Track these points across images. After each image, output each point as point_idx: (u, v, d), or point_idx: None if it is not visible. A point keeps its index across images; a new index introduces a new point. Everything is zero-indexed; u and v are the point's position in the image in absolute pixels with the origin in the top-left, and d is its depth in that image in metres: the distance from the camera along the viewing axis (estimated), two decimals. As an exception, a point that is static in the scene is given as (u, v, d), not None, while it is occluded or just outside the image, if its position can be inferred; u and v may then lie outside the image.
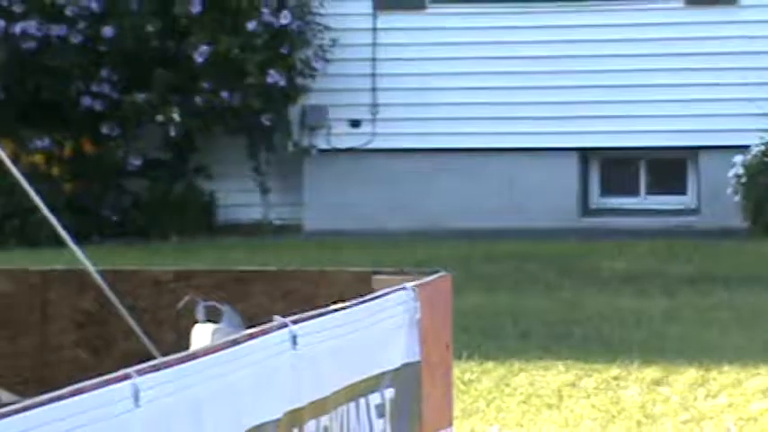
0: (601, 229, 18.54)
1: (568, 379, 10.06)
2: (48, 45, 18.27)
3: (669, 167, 19.64)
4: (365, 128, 19.26)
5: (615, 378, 10.05)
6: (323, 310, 3.60)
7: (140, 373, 2.78)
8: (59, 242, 4.38)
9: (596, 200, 19.55)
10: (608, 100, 18.93)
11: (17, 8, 18.09)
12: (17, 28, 18.07)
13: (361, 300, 3.83)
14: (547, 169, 19.03)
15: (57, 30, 18.21)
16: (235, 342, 3.26)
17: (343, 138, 19.24)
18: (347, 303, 3.74)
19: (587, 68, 18.93)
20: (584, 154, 19.36)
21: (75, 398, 2.62)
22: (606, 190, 19.56)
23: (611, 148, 19.24)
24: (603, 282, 14.68)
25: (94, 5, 18.38)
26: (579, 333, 11.80)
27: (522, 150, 19.04)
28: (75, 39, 18.31)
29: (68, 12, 18.28)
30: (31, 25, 18.13)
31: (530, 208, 18.69)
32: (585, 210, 19.39)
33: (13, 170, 4.80)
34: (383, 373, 3.80)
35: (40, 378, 4.15)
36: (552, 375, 10.15)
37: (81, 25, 18.35)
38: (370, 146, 19.20)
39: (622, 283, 14.48)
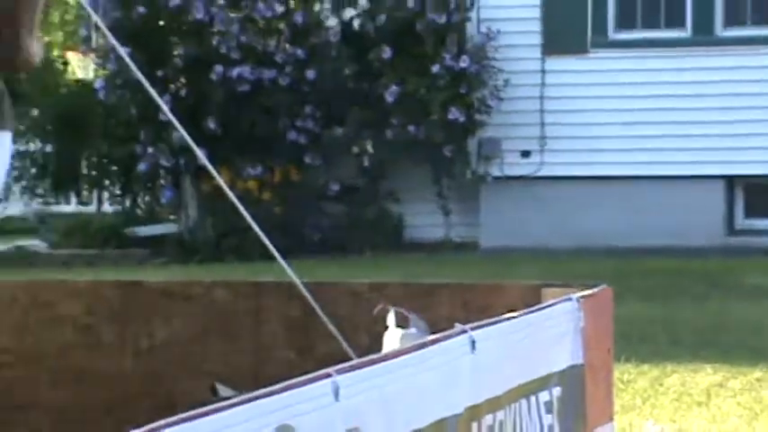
0: (745, 247, 18.42)
1: (716, 380, 9.99)
2: (260, 87, 18.45)
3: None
4: (534, 158, 19.31)
5: (758, 380, 9.97)
6: (498, 318, 3.60)
7: (339, 372, 2.81)
8: (270, 257, 4.42)
9: (741, 221, 19.43)
10: (751, 132, 18.80)
11: (234, 55, 18.30)
12: (234, 72, 18.29)
13: (532, 309, 3.83)
14: (696, 194, 18.95)
15: (268, 74, 18.40)
16: (421, 346, 3.28)
17: (514, 166, 19.30)
18: (519, 312, 3.75)
19: (730, 105, 18.83)
20: (730, 180, 19.26)
21: (285, 393, 2.65)
22: (750, 212, 19.43)
23: (754, 175, 19.11)
24: (748, 294, 14.57)
25: (300, 53, 18.57)
26: (725, 340, 11.71)
27: (673, 178, 18.98)
28: (284, 81, 18.49)
29: (278, 58, 18.47)
30: (246, 70, 18.34)
31: (680, 229, 18.59)
32: (731, 230, 19.28)
33: (230, 195, 4.86)
34: (551, 374, 3.80)
35: (254, 375, 4.20)
36: (701, 377, 10.08)
37: (288, 69, 18.53)
38: (539, 174, 19.24)
39: (765, 296, 14.36)
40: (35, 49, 3.52)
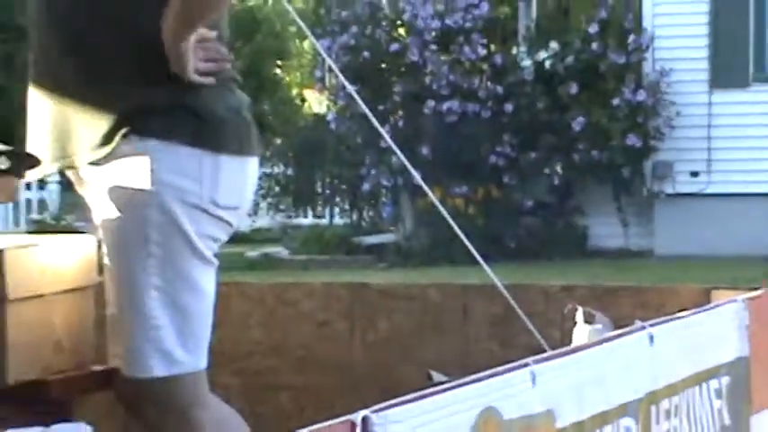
0: None
1: None
2: (465, 119, 18.67)
3: None
4: (702, 177, 19.26)
5: None
6: (673, 317, 3.58)
7: (536, 361, 2.82)
8: (474, 263, 4.45)
9: None
10: None
11: (444, 91, 18.55)
12: (444, 106, 18.52)
13: (702, 309, 3.80)
14: None
15: (472, 107, 18.63)
16: (606, 340, 3.27)
17: (684, 185, 19.28)
18: (691, 311, 3.72)
19: None
20: None
21: (490, 379, 2.65)
22: None
23: None
24: None
25: (499, 89, 18.75)
26: None
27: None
28: (485, 114, 18.71)
29: (480, 94, 18.66)
30: (454, 104, 18.58)
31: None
32: None
33: (441, 209, 4.92)
34: (720, 365, 3.78)
35: (462, 364, 4.23)
36: None
37: (489, 104, 18.73)
38: (706, 191, 19.16)
39: None
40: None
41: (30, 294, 3.69)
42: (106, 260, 3.53)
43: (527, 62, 19.79)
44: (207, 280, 3.47)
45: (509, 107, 18.97)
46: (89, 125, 3.41)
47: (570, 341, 4.27)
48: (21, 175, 3.54)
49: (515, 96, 19.11)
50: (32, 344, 3.70)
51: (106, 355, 3.83)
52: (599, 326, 4.34)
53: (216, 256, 3.52)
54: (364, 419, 2.27)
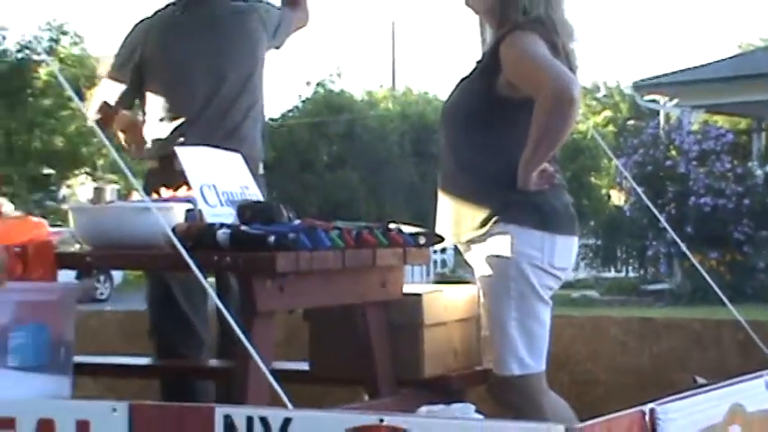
0: None
1: None
2: (716, 208, 18.01)
3: None
4: None
5: None
6: None
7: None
8: (724, 304, 4.03)
9: None
10: None
11: (702, 191, 18.01)
12: (702, 200, 18.05)
13: None
14: None
15: (721, 201, 17.95)
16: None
17: None
18: None
19: None
20: None
21: (738, 384, 2.67)
22: None
23: None
24: None
25: (739, 189, 18.17)
26: None
27: None
28: (730, 205, 18.07)
29: (727, 192, 18.07)
30: (708, 199, 18.01)
31: None
32: None
33: (700, 268, 4.70)
34: None
35: (718, 372, 3.76)
36: None
37: (733, 199, 18.17)
38: None
39: None
40: None
41: (437, 322, 3.79)
42: (482, 300, 3.74)
43: (759, 172, 19.20)
44: (545, 314, 3.66)
45: (746, 201, 18.23)
46: (472, 215, 3.63)
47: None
48: (431, 246, 3.85)
49: (751, 194, 18.38)
50: (439, 353, 3.80)
51: (482, 360, 3.92)
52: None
53: (551, 298, 3.69)
54: (651, 410, 2.26)
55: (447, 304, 3.88)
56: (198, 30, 4.38)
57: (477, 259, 3.63)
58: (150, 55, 4.38)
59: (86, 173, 24.30)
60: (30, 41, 19.66)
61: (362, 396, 3.75)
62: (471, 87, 3.66)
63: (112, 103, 4.39)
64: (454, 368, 3.85)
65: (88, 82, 26.05)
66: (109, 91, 4.42)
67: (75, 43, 24.55)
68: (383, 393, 3.62)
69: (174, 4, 4.51)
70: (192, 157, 3.58)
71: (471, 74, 3.71)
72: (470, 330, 3.98)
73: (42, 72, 18.72)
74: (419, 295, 3.72)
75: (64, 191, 24.04)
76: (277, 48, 4.61)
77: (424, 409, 3.11)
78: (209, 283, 2.80)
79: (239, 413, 2.20)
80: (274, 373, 2.67)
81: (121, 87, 4.41)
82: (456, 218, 3.67)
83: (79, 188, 24.37)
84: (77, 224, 3.43)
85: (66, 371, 3.32)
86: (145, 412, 2.31)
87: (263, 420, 2.19)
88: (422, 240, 3.63)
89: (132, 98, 4.44)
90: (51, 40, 20.43)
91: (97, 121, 4.31)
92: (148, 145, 4.35)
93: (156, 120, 4.33)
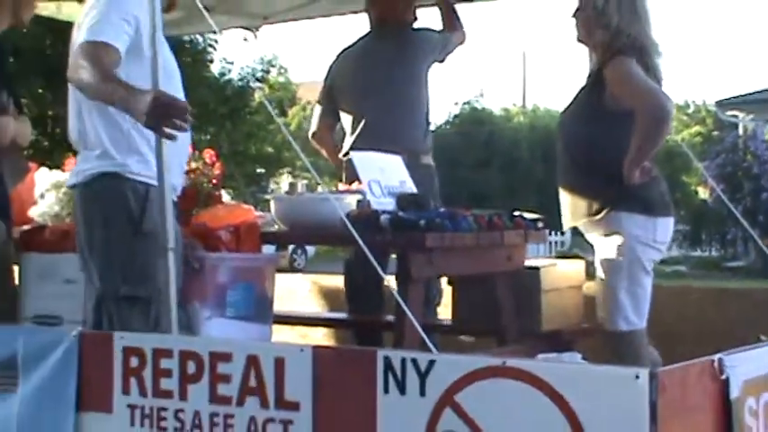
0: None
1: None
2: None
3: None
4: None
5: None
6: None
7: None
8: None
9: None
10: None
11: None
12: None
13: None
14: None
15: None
16: None
17: None
18: None
19: None
20: None
21: None
22: None
23: None
24: None
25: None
26: None
27: None
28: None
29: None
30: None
31: None
32: None
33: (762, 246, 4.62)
34: None
35: None
36: None
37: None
38: None
39: None
40: None
41: (552, 288, 3.79)
42: (599, 273, 3.60)
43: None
44: (648, 282, 3.58)
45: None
46: (588, 204, 3.58)
47: None
48: (546, 229, 3.81)
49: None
50: (553, 313, 3.78)
51: (594, 318, 3.72)
52: None
53: (653, 270, 3.62)
54: (719, 359, 2.17)
55: (560, 275, 3.89)
56: (382, 55, 4.30)
57: (596, 239, 3.62)
58: (341, 80, 4.33)
59: (288, 172, 25.21)
60: (248, 72, 20.42)
61: (492, 346, 3.75)
62: (584, 100, 3.62)
63: (319, 121, 4.40)
64: (565, 325, 3.83)
65: (290, 102, 27.10)
66: (318, 112, 4.44)
67: (281, 73, 25.69)
68: (509, 343, 3.64)
69: (367, 34, 4.44)
70: (363, 159, 3.65)
71: (582, 90, 3.67)
72: (578, 295, 3.95)
73: (256, 95, 19.45)
74: (537, 268, 3.76)
75: (272, 185, 24.83)
76: (441, 62, 4.47)
77: (541, 356, 3.06)
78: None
79: (396, 355, 2.23)
80: (424, 326, 2.68)
81: (325, 108, 4.40)
82: (573, 207, 3.63)
83: (283, 183, 25.15)
84: (277, 210, 3.52)
85: (268, 320, 3.41)
86: (324, 353, 2.36)
87: (414, 361, 2.21)
88: (539, 224, 3.70)
89: (334, 117, 4.39)
90: (263, 71, 21.16)
91: (313, 135, 4.38)
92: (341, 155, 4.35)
93: (348, 132, 4.30)
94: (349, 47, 4.44)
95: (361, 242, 2.58)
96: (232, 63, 22.67)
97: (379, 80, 4.23)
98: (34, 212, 3.71)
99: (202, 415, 2.40)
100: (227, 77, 19.81)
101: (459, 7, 4.58)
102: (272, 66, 22.48)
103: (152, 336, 2.65)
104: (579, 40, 3.67)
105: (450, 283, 3.92)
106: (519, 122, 30.99)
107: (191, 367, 2.45)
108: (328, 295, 4.88)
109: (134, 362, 2.52)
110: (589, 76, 3.68)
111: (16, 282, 3.46)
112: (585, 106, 3.61)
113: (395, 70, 4.26)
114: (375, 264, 2.58)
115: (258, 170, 23.70)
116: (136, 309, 2.94)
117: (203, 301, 3.16)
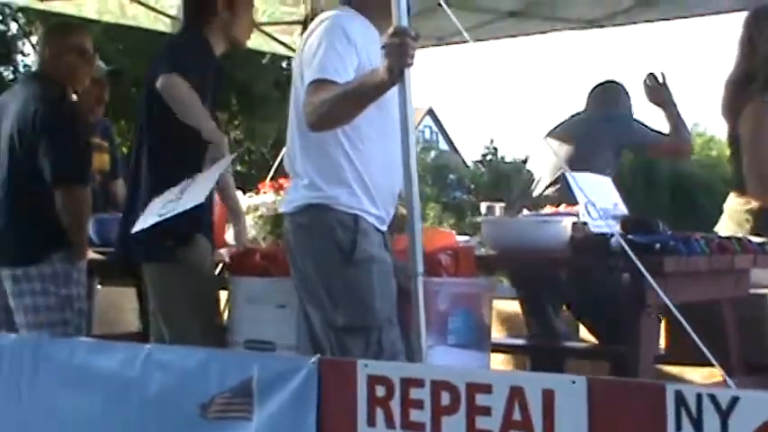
0: None
1: None
2: None
3: None
4: None
5: None
6: None
7: None
8: None
9: None
10: None
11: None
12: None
13: None
14: None
15: None
16: None
17: None
18: None
19: None
20: None
21: None
22: None
23: None
24: None
25: None
26: None
27: None
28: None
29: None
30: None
31: None
32: None
33: None
34: None
35: None
36: None
37: None
38: None
39: None
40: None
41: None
42: None
43: None
44: None
45: None
46: None
47: None
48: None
49: None
50: None
51: None
52: None
53: None
54: None
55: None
56: None
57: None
58: None
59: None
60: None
61: (698, 377, 3.58)
62: None
63: None
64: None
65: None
66: None
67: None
68: (737, 375, 3.34)
69: None
70: (579, 180, 3.49)
71: None
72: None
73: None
74: (764, 295, 3.55)
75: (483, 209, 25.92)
76: None
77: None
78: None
79: (689, 390, 2.04)
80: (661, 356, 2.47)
81: None
82: None
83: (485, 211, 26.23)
84: (488, 234, 3.38)
85: (486, 349, 3.26)
86: (601, 385, 2.17)
87: (712, 397, 2.00)
88: (768, 248, 3.46)
89: None
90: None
91: None
92: None
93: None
94: None
95: (640, 265, 2.39)
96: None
97: None
98: (229, 236, 3.65)
99: (459, 448, 2.27)
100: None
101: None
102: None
103: (399, 364, 2.52)
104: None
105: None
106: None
107: (444, 398, 2.31)
108: (506, 320, 4.70)
109: (380, 391, 2.40)
110: None
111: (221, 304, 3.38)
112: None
113: None
114: (655, 286, 2.38)
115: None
116: (354, 339, 2.86)
117: (426, 328, 3.01)
